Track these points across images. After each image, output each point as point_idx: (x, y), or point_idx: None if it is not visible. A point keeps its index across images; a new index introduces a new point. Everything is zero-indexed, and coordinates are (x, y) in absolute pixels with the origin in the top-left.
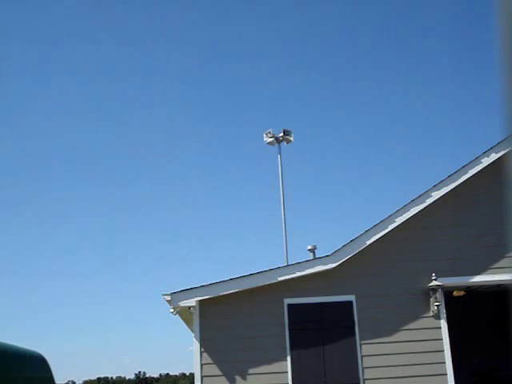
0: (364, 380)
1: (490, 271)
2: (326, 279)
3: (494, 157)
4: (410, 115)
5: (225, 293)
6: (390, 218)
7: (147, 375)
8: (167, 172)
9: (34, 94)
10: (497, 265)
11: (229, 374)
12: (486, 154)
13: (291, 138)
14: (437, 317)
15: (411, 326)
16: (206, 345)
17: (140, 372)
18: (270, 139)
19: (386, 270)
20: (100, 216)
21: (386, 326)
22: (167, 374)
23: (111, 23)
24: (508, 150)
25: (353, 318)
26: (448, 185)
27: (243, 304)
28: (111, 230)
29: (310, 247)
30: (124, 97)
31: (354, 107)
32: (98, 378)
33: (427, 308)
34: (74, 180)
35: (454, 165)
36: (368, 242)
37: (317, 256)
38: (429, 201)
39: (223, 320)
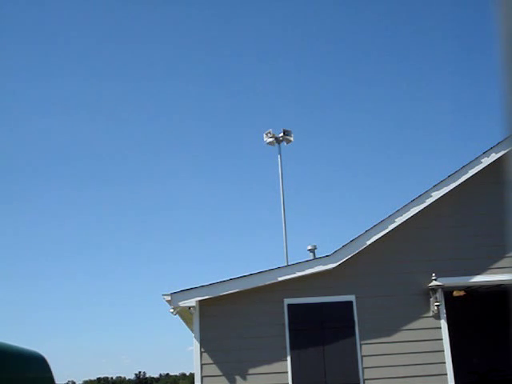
0: (364, 380)
1: (489, 271)
2: (326, 279)
3: (494, 157)
4: (410, 115)
5: (225, 293)
6: (390, 218)
7: (147, 375)
8: (167, 172)
9: (34, 94)
10: (497, 265)
11: (229, 374)
12: (485, 153)
13: (291, 138)
14: (437, 317)
15: (411, 325)
16: (206, 345)
17: (140, 372)
18: (270, 139)
19: (386, 270)
20: (100, 216)
21: (386, 326)
22: (167, 374)
23: (111, 24)
24: (508, 149)
25: (353, 317)
26: (448, 185)
27: (243, 304)
28: (111, 230)
29: (309, 247)
30: (124, 97)
31: (354, 107)
32: (98, 378)
33: (427, 308)
34: (75, 180)
35: (454, 165)
36: (368, 242)
37: (317, 256)
38: (429, 201)
39: (223, 320)
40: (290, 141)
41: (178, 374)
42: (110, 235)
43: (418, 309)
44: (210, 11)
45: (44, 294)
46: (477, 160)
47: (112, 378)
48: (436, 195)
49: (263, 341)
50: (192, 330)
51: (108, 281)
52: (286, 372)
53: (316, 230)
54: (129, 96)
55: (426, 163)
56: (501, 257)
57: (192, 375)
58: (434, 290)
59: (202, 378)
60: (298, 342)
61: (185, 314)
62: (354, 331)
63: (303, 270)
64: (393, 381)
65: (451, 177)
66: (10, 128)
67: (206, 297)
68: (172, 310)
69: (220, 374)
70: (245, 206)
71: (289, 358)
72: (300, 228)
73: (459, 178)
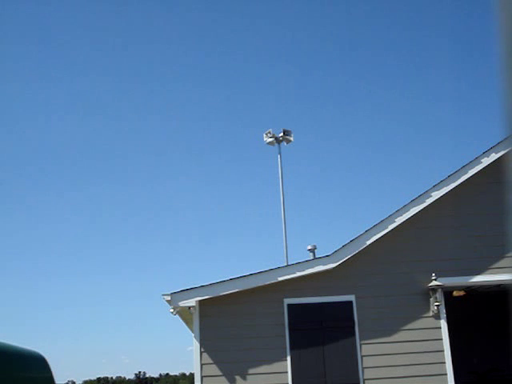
0: (364, 380)
1: (489, 271)
2: (326, 279)
3: (493, 157)
4: (410, 116)
5: (225, 293)
6: (390, 217)
7: (147, 375)
8: (167, 172)
9: (34, 94)
10: (497, 265)
11: (229, 374)
12: (485, 153)
13: (291, 138)
14: (437, 317)
15: (411, 325)
16: (206, 345)
17: (140, 372)
18: (270, 139)
19: (386, 270)
20: (100, 216)
21: (386, 326)
22: (167, 374)
23: (112, 24)
24: (508, 149)
25: (353, 317)
26: (448, 185)
27: (243, 304)
28: (111, 230)
29: (309, 247)
30: (124, 97)
31: (354, 108)
32: (98, 378)
33: (427, 308)
34: (75, 180)
35: (454, 165)
36: (368, 242)
37: (317, 256)
38: (429, 201)
39: (223, 320)
40: (290, 141)
41: (177, 373)
42: (110, 235)
43: (418, 309)
44: (211, 12)
45: (44, 294)
46: (477, 160)
47: (112, 377)
48: (436, 195)
49: (263, 341)
50: (192, 330)
51: (108, 281)
52: (286, 372)
53: (316, 230)
54: (129, 96)
55: (426, 163)
56: (501, 257)
57: (192, 375)
58: (434, 289)
59: (201, 377)
60: (298, 342)
61: (185, 313)
62: (354, 331)
63: (303, 270)
64: (393, 381)
65: (451, 177)
66: (10, 128)
67: (206, 297)
68: (172, 310)
69: (220, 374)
70: (245, 206)
71: (289, 358)
72: (300, 228)
73: (459, 177)
